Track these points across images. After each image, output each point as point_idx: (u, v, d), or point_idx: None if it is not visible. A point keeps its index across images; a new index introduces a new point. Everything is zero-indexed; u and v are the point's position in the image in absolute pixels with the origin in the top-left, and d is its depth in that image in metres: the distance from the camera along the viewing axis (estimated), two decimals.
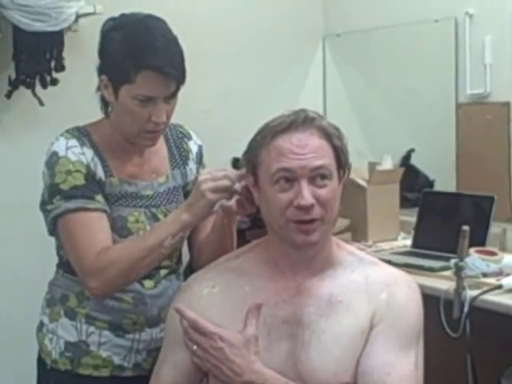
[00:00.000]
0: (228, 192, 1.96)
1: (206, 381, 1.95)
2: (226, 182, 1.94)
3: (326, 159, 1.82)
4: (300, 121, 1.83)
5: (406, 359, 1.82)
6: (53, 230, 2.13)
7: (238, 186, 1.96)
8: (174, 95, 2.06)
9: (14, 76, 3.43)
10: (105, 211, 2.09)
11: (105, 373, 2.16)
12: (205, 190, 1.94)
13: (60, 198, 2.05)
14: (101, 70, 2.10)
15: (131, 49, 2.01)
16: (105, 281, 2.01)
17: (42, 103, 3.46)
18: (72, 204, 2.04)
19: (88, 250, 2.02)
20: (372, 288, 1.88)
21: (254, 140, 1.88)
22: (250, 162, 1.89)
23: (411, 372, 1.81)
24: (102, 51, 2.10)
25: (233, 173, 1.96)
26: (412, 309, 1.88)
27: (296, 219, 1.80)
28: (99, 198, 2.08)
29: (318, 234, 1.83)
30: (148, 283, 2.17)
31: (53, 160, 2.08)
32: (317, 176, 1.80)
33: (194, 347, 1.83)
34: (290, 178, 1.80)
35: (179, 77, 2.04)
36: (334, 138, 1.85)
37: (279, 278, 1.89)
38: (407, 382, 1.80)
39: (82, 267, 2.05)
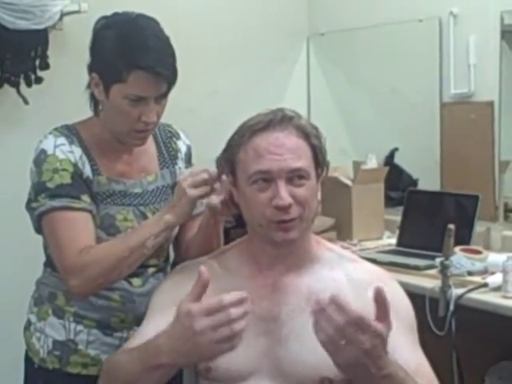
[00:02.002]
0: (208, 185, 1.97)
1: (196, 381, 1.95)
2: (204, 175, 1.96)
3: (304, 160, 1.83)
4: (277, 120, 1.83)
5: (419, 350, 1.88)
6: (38, 228, 2.12)
7: (218, 186, 1.96)
8: (164, 95, 2.07)
9: None
10: (90, 211, 2.08)
11: (93, 371, 2.15)
12: (185, 188, 1.96)
13: (45, 196, 2.05)
14: (92, 68, 2.09)
15: (123, 48, 2.00)
16: (86, 279, 2.01)
17: (26, 102, 3.44)
18: (57, 202, 2.04)
19: (70, 248, 2.02)
20: (355, 288, 1.88)
21: (231, 139, 1.88)
22: (228, 161, 1.89)
23: (426, 361, 1.87)
24: (94, 49, 2.09)
25: (213, 169, 1.96)
26: (407, 302, 1.93)
27: (276, 219, 1.81)
28: (85, 197, 2.08)
29: (297, 231, 1.83)
30: (136, 281, 2.17)
31: (41, 158, 2.08)
32: (294, 176, 1.81)
33: (343, 342, 1.64)
34: (267, 179, 1.81)
35: (170, 77, 2.04)
36: (311, 137, 1.85)
37: (257, 275, 1.91)
38: (430, 373, 1.85)
39: (63, 265, 2.05)
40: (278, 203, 1.79)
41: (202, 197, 2.00)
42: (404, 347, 1.81)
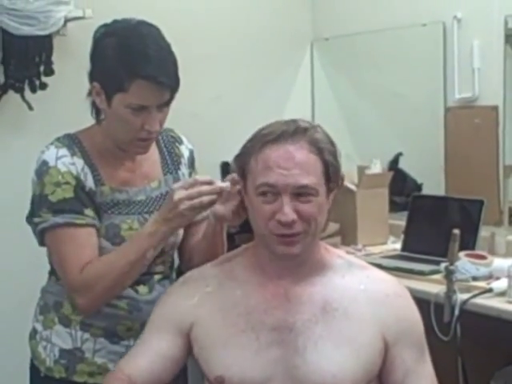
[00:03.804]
0: (205, 207, 1.97)
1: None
2: (203, 199, 1.94)
3: (312, 177, 1.79)
4: (290, 132, 1.80)
5: (429, 364, 1.91)
6: (41, 242, 2.11)
7: (227, 185, 1.95)
8: (167, 104, 2.05)
9: (2, 80, 3.42)
10: (93, 226, 2.07)
11: (100, 380, 2.13)
12: (183, 211, 1.94)
13: (48, 211, 2.04)
14: (93, 77, 2.06)
15: (124, 57, 1.98)
16: (91, 298, 2.02)
17: (31, 107, 3.45)
18: (60, 219, 2.03)
19: (73, 267, 2.02)
20: (372, 298, 1.88)
21: (245, 146, 1.87)
22: (240, 167, 1.88)
23: (434, 376, 1.92)
24: (94, 58, 2.06)
25: (207, 189, 1.94)
26: (418, 316, 1.93)
27: (277, 233, 1.80)
28: (88, 211, 2.06)
29: (300, 246, 1.82)
30: (142, 289, 2.16)
31: (43, 169, 2.06)
32: (301, 192, 1.79)
33: None
34: (273, 192, 1.79)
35: (173, 85, 2.01)
36: (325, 153, 1.82)
37: (267, 284, 1.89)
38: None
39: (68, 284, 2.06)
40: (281, 219, 1.77)
41: (198, 214, 2.02)
42: (418, 373, 1.87)
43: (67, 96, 3.47)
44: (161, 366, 1.91)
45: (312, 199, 1.79)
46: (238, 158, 1.89)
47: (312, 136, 1.81)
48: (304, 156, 1.79)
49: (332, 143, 1.85)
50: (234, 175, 1.94)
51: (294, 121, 1.84)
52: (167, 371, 1.92)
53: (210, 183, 1.95)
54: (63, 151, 2.08)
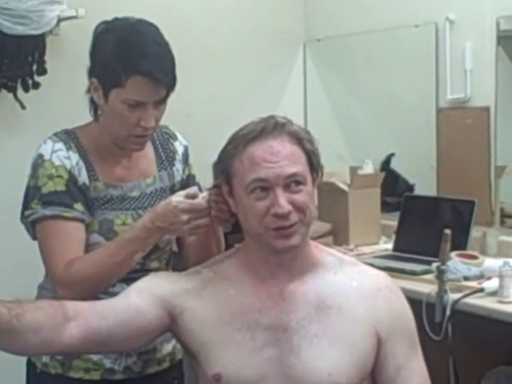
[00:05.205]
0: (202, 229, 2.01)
1: (196, 379, 1.95)
2: (204, 222, 1.97)
3: (299, 165, 1.82)
4: (270, 127, 1.83)
5: (421, 359, 1.91)
6: (34, 235, 2.12)
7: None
8: (163, 101, 2.07)
9: None
10: (82, 221, 2.08)
11: (96, 376, 2.15)
12: (184, 231, 2.00)
13: (38, 203, 2.06)
14: (91, 73, 2.09)
15: (122, 53, 2.01)
16: (74, 294, 2.00)
17: (23, 107, 3.45)
18: (49, 211, 2.05)
19: (58, 260, 2.03)
20: (364, 294, 1.89)
21: (225, 150, 1.87)
22: (223, 171, 1.88)
23: (425, 371, 1.91)
24: (94, 54, 2.09)
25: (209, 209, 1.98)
26: (409, 311, 1.94)
27: (275, 226, 1.81)
28: (78, 206, 2.07)
29: (298, 236, 1.83)
30: None
31: (38, 162, 2.09)
32: (291, 182, 1.81)
33: None
34: (265, 187, 1.80)
35: (169, 83, 2.04)
36: (305, 143, 1.85)
37: (261, 285, 1.89)
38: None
39: (52, 275, 2.07)
40: (277, 211, 1.78)
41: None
42: (411, 367, 1.88)
43: (60, 95, 3.48)
44: (133, 316, 1.86)
45: (302, 188, 1.82)
46: (219, 162, 1.89)
47: (290, 129, 1.85)
48: (287, 148, 1.82)
49: (308, 133, 1.89)
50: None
51: (271, 117, 1.87)
52: (138, 325, 1.87)
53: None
54: (59, 145, 2.10)
